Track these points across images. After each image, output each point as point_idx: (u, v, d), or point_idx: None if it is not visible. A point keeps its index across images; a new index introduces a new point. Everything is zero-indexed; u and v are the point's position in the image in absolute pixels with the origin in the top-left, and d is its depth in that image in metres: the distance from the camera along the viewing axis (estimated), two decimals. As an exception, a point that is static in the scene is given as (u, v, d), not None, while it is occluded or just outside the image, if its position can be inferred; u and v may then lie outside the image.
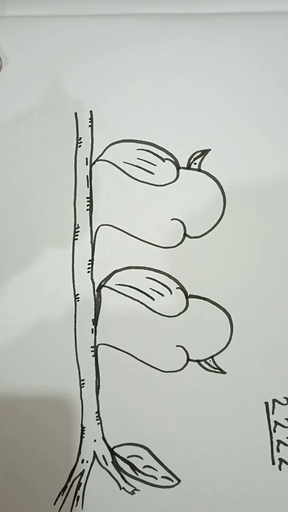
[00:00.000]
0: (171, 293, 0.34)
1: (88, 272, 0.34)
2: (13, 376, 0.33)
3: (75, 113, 0.35)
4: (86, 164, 0.34)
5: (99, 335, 0.34)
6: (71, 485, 0.33)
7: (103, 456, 0.33)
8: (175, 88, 0.35)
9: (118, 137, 0.35)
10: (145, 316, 0.34)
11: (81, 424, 0.33)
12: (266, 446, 0.33)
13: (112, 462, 0.33)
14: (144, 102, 0.35)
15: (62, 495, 0.33)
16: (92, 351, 0.33)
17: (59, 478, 0.33)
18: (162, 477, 0.33)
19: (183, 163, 0.34)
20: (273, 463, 0.33)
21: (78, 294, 0.34)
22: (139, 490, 0.33)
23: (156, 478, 0.33)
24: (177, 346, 0.34)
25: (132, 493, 0.33)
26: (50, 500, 0.33)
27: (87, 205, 0.34)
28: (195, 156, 0.34)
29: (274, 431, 0.34)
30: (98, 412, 0.33)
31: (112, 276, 0.34)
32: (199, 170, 0.34)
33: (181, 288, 0.34)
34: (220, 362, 0.34)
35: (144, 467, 0.33)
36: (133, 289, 0.34)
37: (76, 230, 0.34)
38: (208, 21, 0.35)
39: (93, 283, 0.34)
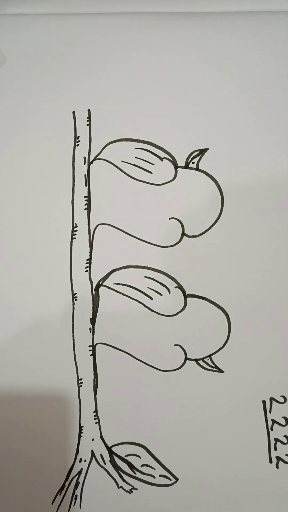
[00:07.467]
0: (169, 292, 0.34)
1: (86, 271, 0.34)
2: (11, 375, 0.33)
3: (73, 112, 0.35)
4: (84, 163, 0.34)
5: (97, 334, 0.34)
6: (69, 484, 0.33)
7: (101, 455, 0.33)
8: (174, 87, 0.35)
9: (116, 136, 0.34)
10: (143, 315, 0.34)
11: (79, 423, 0.33)
12: (264, 445, 0.34)
13: (110, 461, 0.33)
14: (142, 101, 0.35)
15: (60, 494, 0.33)
16: (90, 350, 0.33)
17: (57, 477, 0.33)
18: (160, 475, 0.33)
19: (181, 162, 0.34)
20: (270, 461, 0.34)
21: (76, 293, 0.34)
22: (137, 489, 0.33)
23: (154, 477, 0.33)
24: (175, 345, 0.34)
25: (130, 491, 0.33)
26: (48, 499, 0.33)
27: (85, 204, 0.34)
28: (193, 155, 0.34)
29: (272, 429, 0.34)
30: (96, 411, 0.33)
31: (110, 275, 0.34)
32: (197, 169, 0.34)
33: (179, 287, 0.34)
34: (218, 361, 0.34)
35: (142, 466, 0.33)
36: (131, 288, 0.34)
37: (74, 229, 0.34)
38: (207, 20, 0.35)
39: (91, 282, 0.34)
